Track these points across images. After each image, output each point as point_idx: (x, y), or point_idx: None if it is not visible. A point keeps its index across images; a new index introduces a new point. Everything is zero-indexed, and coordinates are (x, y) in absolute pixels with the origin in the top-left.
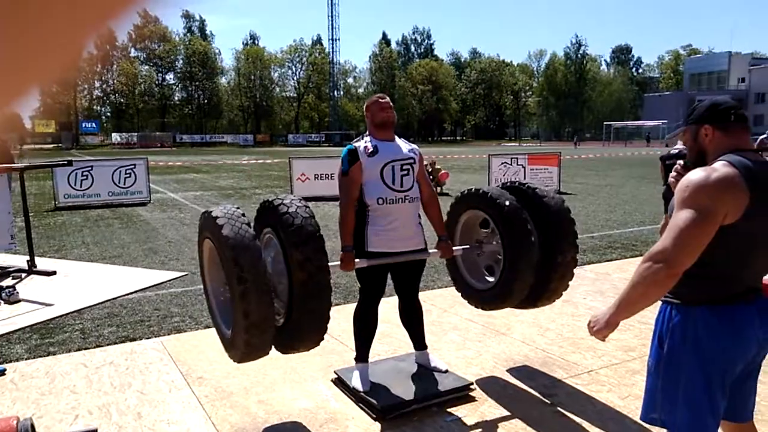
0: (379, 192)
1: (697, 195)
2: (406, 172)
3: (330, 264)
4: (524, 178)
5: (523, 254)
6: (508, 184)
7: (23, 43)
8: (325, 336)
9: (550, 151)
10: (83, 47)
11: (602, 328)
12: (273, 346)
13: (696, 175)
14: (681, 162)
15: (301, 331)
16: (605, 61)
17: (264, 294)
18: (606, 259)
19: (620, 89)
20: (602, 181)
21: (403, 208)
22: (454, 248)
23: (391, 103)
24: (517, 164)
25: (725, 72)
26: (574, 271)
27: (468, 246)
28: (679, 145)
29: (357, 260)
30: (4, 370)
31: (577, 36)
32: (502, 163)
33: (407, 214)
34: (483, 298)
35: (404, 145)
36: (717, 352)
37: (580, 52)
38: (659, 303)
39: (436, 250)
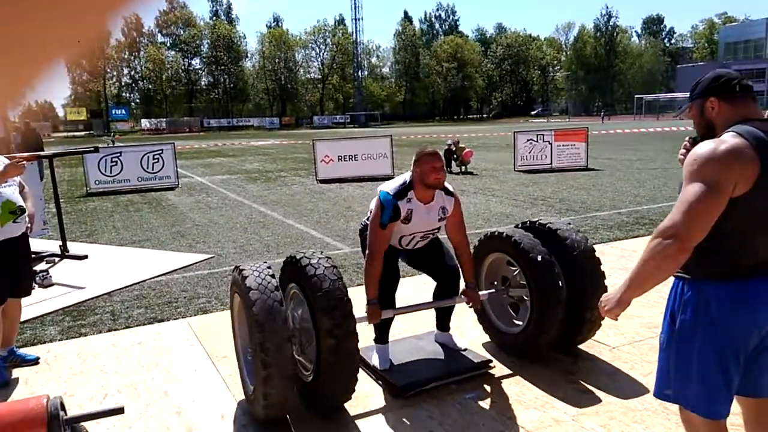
0: (392, 244)
1: (705, 168)
2: (424, 238)
3: (358, 317)
4: (551, 155)
5: (552, 307)
6: (528, 224)
7: (39, 24)
8: None
9: (578, 126)
10: (104, 25)
11: (614, 307)
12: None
13: (703, 147)
14: (689, 137)
15: (329, 395)
16: (636, 32)
17: (286, 379)
18: (633, 236)
19: (652, 61)
20: (632, 156)
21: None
22: (480, 293)
23: (444, 161)
24: (544, 141)
25: (762, 40)
26: (600, 247)
27: (494, 290)
28: None
29: (384, 311)
30: (38, 358)
31: (607, 7)
32: (528, 140)
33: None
34: (511, 343)
35: (439, 205)
36: (729, 326)
37: (611, 23)
38: (672, 279)
39: (462, 297)
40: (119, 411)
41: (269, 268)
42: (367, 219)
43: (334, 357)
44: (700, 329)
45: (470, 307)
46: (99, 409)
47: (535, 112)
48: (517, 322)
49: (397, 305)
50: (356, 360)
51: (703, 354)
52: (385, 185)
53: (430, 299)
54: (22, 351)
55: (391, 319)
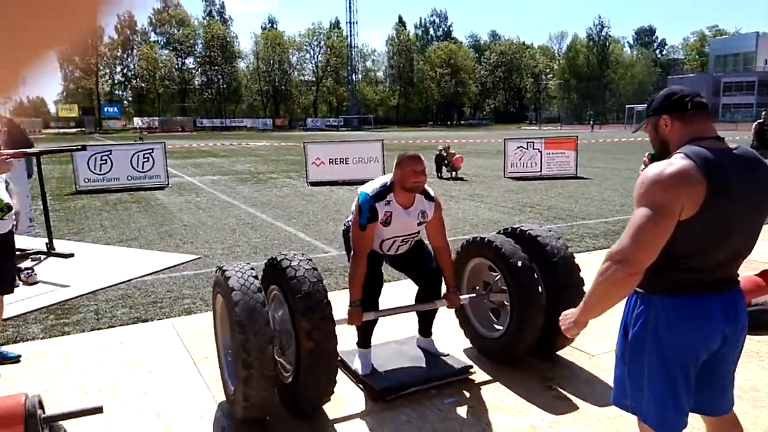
0: (374, 247)
1: (652, 192)
2: (404, 243)
3: (337, 319)
4: (540, 163)
5: (531, 312)
6: (510, 230)
7: (30, 13)
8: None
9: (568, 134)
10: (95, 18)
11: (571, 328)
12: (281, 403)
13: (651, 170)
14: (648, 154)
15: (308, 397)
16: (628, 42)
17: (267, 380)
18: None
19: (643, 71)
20: (621, 164)
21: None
22: (461, 297)
23: (425, 165)
24: (534, 148)
25: (753, 53)
26: (584, 256)
27: (475, 294)
28: None
29: (365, 313)
30: (19, 356)
31: (600, 17)
32: (518, 147)
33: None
34: (490, 348)
35: (419, 209)
36: (676, 342)
37: (603, 33)
38: None
39: (443, 300)
40: (98, 410)
41: (252, 269)
42: (349, 221)
43: (313, 359)
44: (649, 343)
45: (449, 308)
46: (78, 408)
47: (528, 120)
48: (497, 326)
49: (385, 306)
50: (335, 362)
51: (652, 368)
52: (366, 186)
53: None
54: (4, 348)
55: (374, 324)
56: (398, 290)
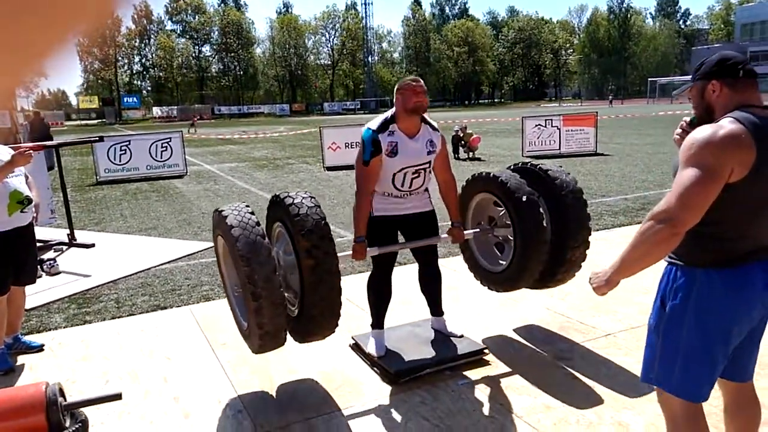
0: (386, 187)
1: (702, 152)
2: (417, 175)
3: (341, 254)
4: (559, 140)
5: (535, 248)
6: (520, 165)
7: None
8: (346, 303)
9: (587, 110)
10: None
11: (602, 285)
12: (290, 336)
13: (701, 132)
14: (687, 119)
15: (315, 319)
16: (650, 14)
17: (277, 307)
18: (638, 222)
19: (666, 43)
20: (642, 140)
21: (408, 198)
22: (465, 232)
23: (425, 87)
24: (552, 126)
25: None
26: (602, 234)
27: (479, 230)
28: None
29: (369, 249)
30: (42, 345)
31: None
32: (537, 125)
33: (413, 199)
34: (494, 281)
35: (426, 138)
36: (721, 315)
37: (624, 5)
38: (664, 264)
39: (447, 235)
40: (117, 397)
41: (247, 206)
42: None
43: (314, 276)
44: (690, 315)
45: (453, 242)
46: (97, 395)
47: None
48: (501, 261)
49: (393, 293)
50: (338, 281)
51: (691, 340)
52: (369, 123)
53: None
54: (28, 338)
55: (387, 303)
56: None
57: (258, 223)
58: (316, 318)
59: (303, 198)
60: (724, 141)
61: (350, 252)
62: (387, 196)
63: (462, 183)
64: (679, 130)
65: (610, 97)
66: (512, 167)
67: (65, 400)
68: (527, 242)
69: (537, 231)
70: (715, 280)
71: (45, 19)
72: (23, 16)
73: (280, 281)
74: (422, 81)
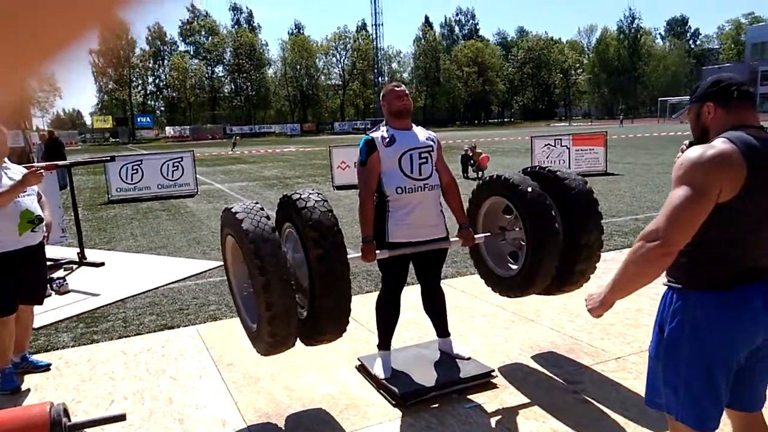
0: (397, 181)
1: (692, 172)
2: (424, 160)
3: (351, 255)
4: (569, 160)
5: (546, 241)
6: (529, 169)
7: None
8: (353, 324)
9: (597, 130)
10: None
11: (597, 307)
12: (299, 339)
13: (691, 152)
14: (686, 142)
15: (324, 315)
16: (660, 34)
17: (285, 284)
18: None
19: (676, 63)
20: (653, 160)
21: (423, 196)
22: (476, 236)
23: (407, 91)
24: (561, 145)
25: None
26: (612, 254)
27: (490, 233)
28: None
29: (378, 251)
30: (49, 365)
31: (630, 9)
32: (546, 145)
33: (428, 203)
34: (506, 285)
35: (422, 133)
36: (717, 339)
37: (634, 25)
38: (663, 288)
39: (457, 239)
40: (121, 418)
41: (257, 203)
42: None
43: (322, 267)
44: (687, 340)
45: (463, 245)
46: (102, 416)
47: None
48: (512, 266)
49: (407, 310)
50: (347, 273)
51: (691, 366)
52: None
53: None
54: (35, 357)
55: (395, 324)
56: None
57: (263, 208)
58: (326, 314)
59: (310, 194)
60: (713, 160)
61: (359, 254)
62: (402, 197)
63: (469, 195)
64: (679, 154)
65: (621, 116)
66: (522, 170)
67: (69, 421)
68: (540, 242)
69: (550, 231)
70: (710, 302)
71: (45, 25)
72: (24, 23)
73: (287, 260)
74: (403, 86)
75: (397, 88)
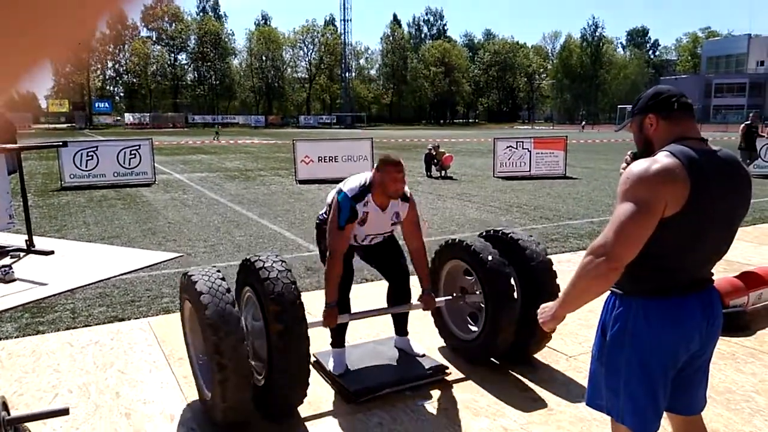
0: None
1: (636, 187)
2: (380, 239)
3: (312, 322)
4: (529, 162)
5: (505, 308)
6: (492, 232)
7: (33, 19)
8: (309, 318)
9: (558, 134)
10: (94, 25)
11: (549, 321)
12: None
13: (636, 167)
14: (630, 153)
15: (282, 388)
16: (621, 43)
17: (243, 379)
18: None
19: (636, 72)
20: (610, 165)
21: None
22: (437, 299)
23: (404, 171)
24: (523, 148)
25: (744, 55)
26: (568, 256)
27: (450, 297)
28: None
29: (340, 315)
30: None
31: (594, 17)
32: (508, 147)
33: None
34: (469, 351)
35: (393, 209)
36: (656, 344)
37: (597, 33)
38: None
39: (419, 303)
40: (64, 412)
41: (218, 271)
42: (324, 213)
43: (282, 342)
44: (627, 345)
45: (424, 310)
46: (44, 410)
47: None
48: (472, 328)
49: (354, 310)
50: (306, 363)
51: (630, 369)
52: (344, 183)
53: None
54: None
55: (346, 324)
56: (372, 291)
57: (228, 290)
58: (283, 386)
59: (273, 262)
60: (658, 176)
61: (320, 320)
62: None
63: (432, 194)
64: (624, 164)
65: (583, 122)
66: (483, 233)
67: (9, 414)
68: (498, 309)
69: (507, 298)
70: (651, 309)
71: (32, 39)
72: (9, 35)
73: (247, 351)
74: (403, 164)
75: (397, 172)
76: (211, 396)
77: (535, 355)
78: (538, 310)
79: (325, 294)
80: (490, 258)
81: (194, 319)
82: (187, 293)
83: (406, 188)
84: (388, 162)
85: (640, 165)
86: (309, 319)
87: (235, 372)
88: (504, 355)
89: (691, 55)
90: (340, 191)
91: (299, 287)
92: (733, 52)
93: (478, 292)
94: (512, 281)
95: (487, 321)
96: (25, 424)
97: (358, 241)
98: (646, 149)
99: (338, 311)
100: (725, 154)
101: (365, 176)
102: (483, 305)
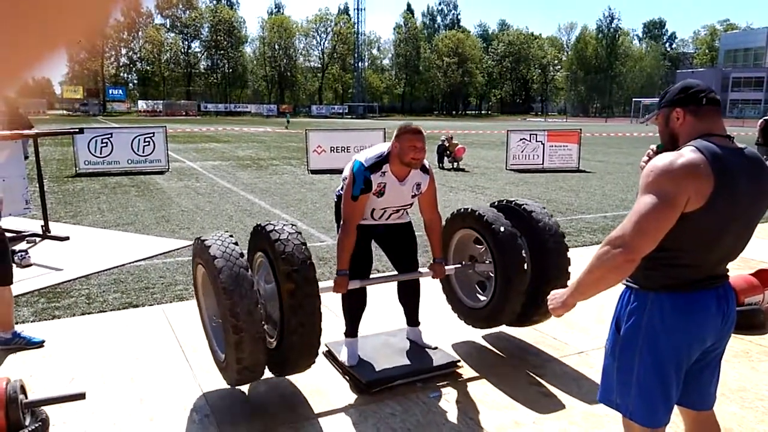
0: (364, 215)
1: (661, 180)
2: (397, 212)
3: (323, 287)
4: (543, 155)
5: (515, 279)
6: (504, 203)
7: (50, 6)
8: (322, 308)
9: (572, 127)
10: (109, 12)
11: (559, 308)
12: (269, 370)
13: (661, 160)
14: (653, 146)
15: (294, 347)
16: (637, 35)
17: (258, 342)
18: None
19: (652, 65)
20: (624, 159)
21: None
22: (447, 267)
23: (425, 140)
24: (536, 141)
25: (762, 48)
26: (580, 250)
27: (460, 265)
28: None
29: (351, 281)
30: (43, 341)
31: (610, 9)
32: (521, 140)
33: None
34: (475, 317)
35: (414, 180)
36: (670, 339)
37: (613, 25)
38: (621, 286)
39: (428, 270)
40: (81, 396)
41: (231, 236)
42: (341, 189)
43: (294, 301)
44: (642, 340)
45: (434, 277)
46: (60, 394)
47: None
48: (481, 297)
49: (370, 301)
50: (319, 321)
51: (644, 363)
52: (361, 154)
53: (399, 297)
54: (28, 334)
55: (361, 312)
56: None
57: (242, 254)
58: (295, 346)
59: (284, 225)
60: (683, 170)
61: (331, 284)
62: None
63: (444, 185)
64: (645, 158)
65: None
66: (495, 203)
67: (26, 398)
68: (508, 277)
69: (517, 265)
70: (666, 303)
71: (47, 26)
72: (25, 22)
73: (261, 314)
74: (423, 134)
75: (416, 142)
76: (225, 358)
77: (547, 351)
78: (549, 297)
79: (338, 262)
80: (502, 229)
81: (207, 283)
82: (201, 257)
83: (426, 161)
84: (406, 129)
85: (665, 158)
86: (320, 285)
87: (250, 334)
88: (510, 323)
89: (709, 48)
90: (356, 161)
91: None
92: (752, 45)
93: (487, 261)
94: (523, 253)
95: (496, 290)
96: (42, 407)
97: (374, 217)
98: (671, 143)
99: (349, 279)
100: (750, 152)
101: (384, 146)
102: (492, 274)
